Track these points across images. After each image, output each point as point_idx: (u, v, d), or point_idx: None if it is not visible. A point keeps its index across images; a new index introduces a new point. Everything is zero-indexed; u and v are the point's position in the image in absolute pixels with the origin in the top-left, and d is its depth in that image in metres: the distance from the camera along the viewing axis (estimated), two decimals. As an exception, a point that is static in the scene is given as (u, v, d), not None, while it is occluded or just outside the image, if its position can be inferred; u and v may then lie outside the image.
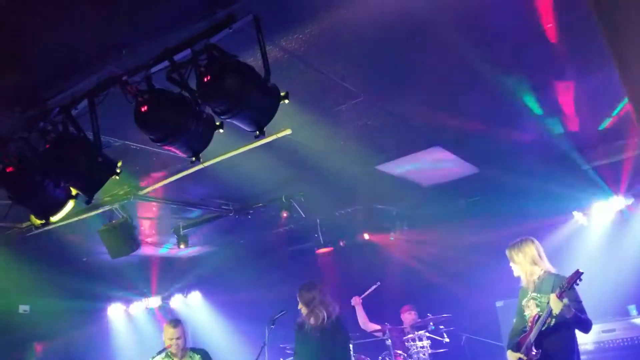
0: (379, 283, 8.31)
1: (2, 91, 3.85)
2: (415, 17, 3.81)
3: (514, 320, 5.18)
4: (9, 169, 3.97)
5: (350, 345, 7.58)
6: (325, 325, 5.70)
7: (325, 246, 8.94)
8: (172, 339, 5.84)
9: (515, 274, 5.10)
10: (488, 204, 8.16)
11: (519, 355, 4.86)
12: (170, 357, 5.92)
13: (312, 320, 5.77)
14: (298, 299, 5.84)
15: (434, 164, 6.95)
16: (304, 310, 5.81)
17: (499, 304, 8.01)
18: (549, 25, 4.09)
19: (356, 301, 8.35)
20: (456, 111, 5.45)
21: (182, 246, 7.78)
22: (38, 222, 4.14)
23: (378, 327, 8.24)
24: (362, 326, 8.32)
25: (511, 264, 5.12)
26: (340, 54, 4.14)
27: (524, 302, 5.02)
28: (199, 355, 5.95)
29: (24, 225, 6.34)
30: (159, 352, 5.91)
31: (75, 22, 3.36)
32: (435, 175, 7.39)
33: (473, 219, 8.18)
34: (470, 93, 5.08)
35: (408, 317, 8.38)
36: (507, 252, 5.14)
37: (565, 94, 5.32)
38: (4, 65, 3.60)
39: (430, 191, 7.90)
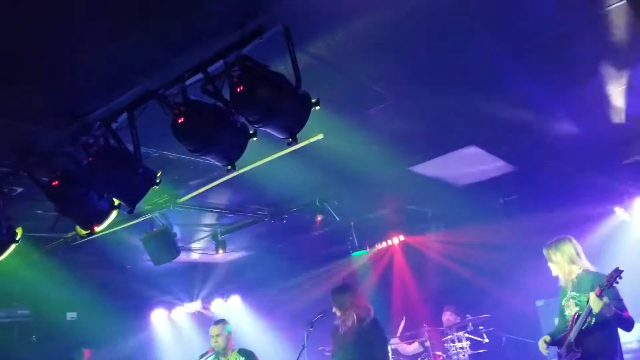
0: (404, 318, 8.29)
1: (47, 108, 4.03)
2: (444, 18, 3.82)
3: (556, 320, 5.14)
4: (55, 183, 4.16)
5: (389, 347, 7.63)
6: (360, 328, 5.70)
7: (360, 248, 8.96)
8: (212, 337, 6.02)
9: (554, 273, 5.06)
10: (525, 202, 8.06)
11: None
12: (217, 357, 6.06)
13: (347, 323, 5.77)
14: (331, 302, 5.88)
15: (468, 164, 6.91)
16: (338, 313, 5.83)
17: (539, 303, 7.91)
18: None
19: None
20: (490, 109, 5.42)
21: (220, 251, 7.93)
22: (83, 232, 4.30)
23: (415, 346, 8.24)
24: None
25: (549, 264, 5.08)
26: (369, 57, 4.17)
27: (563, 302, 4.97)
28: (244, 357, 6.06)
29: (70, 235, 6.58)
30: (202, 356, 6.06)
31: (114, 39, 3.49)
32: (470, 174, 7.34)
33: (510, 218, 8.10)
34: (504, 90, 5.05)
35: (449, 317, 8.34)
36: (544, 252, 5.10)
37: (610, 86, 5.21)
38: (48, 82, 3.78)
39: (465, 191, 7.84)
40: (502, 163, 7.00)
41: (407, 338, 8.34)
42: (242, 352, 6.14)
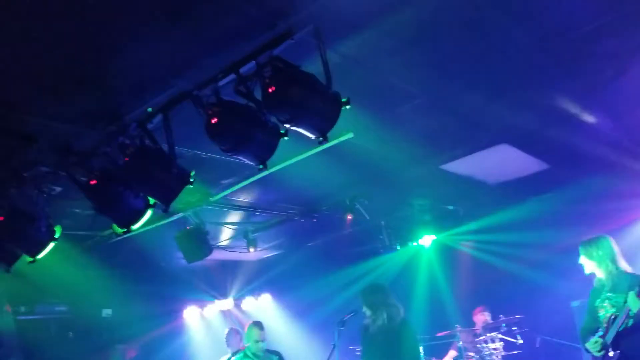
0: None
1: (86, 109, 4.15)
2: (474, 13, 3.81)
3: (584, 320, 5.01)
4: (93, 182, 4.27)
5: (421, 347, 7.60)
6: (391, 327, 5.69)
7: (391, 247, 8.94)
8: (257, 341, 6.11)
9: (588, 271, 4.94)
10: (560, 201, 7.92)
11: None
12: (251, 358, 6.17)
13: (377, 322, 5.77)
14: (365, 298, 5.86)
15: (500, 162, 6.83)
16: (368, 312, 5.82)
17: (574, 303, 7.76)
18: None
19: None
20: (523, 107, 5.35)
21: (251, 250, 8.02)
22: (120, 230, 4.41)
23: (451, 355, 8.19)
24: None
25: (584, 261, 4.96)
26: (399, 55, 4.17)
27: (597, 303, 4.85)
28: (276, 357, 6.17)
29: (106, 233, 6.73)
30: (234, 354, 6.17)
31: (149, 42, 3.58)
32: (503, 172, 7.27)
33: (544, 217, 7.97)
34: (538, 88, 4.99)
35: (481, 318, 8.26)
36: (581, 249, 4.98)
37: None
38: (87, 85, 3.89)
39: (498, 189, 7.76)
40: (535, 161, 6.91)
41: (441, 339, 8.28)
42: (272, 352, 6.26)
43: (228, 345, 7.50)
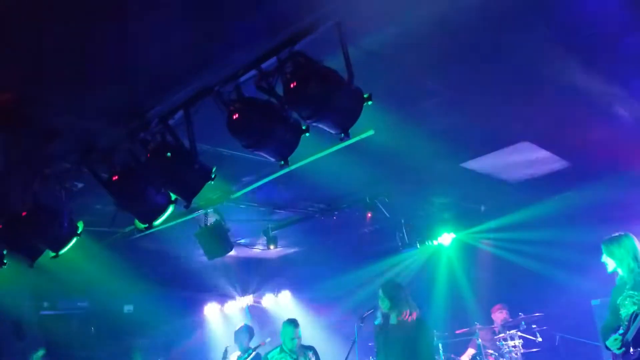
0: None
1: (107, 106, 4.18)
2: (498, 10, 3.77)
3: (605, 318, 4.97)
4: (115, 178, 4.31)
5: (440, 345, 7.58)
6: (408, 323, 5.70)
7: (410, 245, 8.90)
8: (293, 339, 6.25)
9: (610, 269, 4.88)
10: (581, 199, 7.83)
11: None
12: (289, 354, 6.29)
13: (393, 318, 5.79)
14: (381, 295, 5.86)
15: (522, 160, 6.77)
16: (385, 307, 5.80)
17: (595, 302, 7.67)
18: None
19: None
20: (545, 104, 5.29)
21: (271, 247, 8.04)
22: (142, 226, 4.44)
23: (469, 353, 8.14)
24: None
25: (606, 259, 4.90)
26: (422, 52, 4.15)
27: (619, 301, 4.79)
28: (311, 352, 6.33)
29: (128, 229, 6.80)
30: (246, 351, 6.29)
31: (171, 38, 3.60)
32: (524, 171, 7.20)
33: (565, 215, 7.89)
34: (560, 85, 4.93)
35: (499, 315, 8.20)
36: (603, 247, 4.92)
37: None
38: (109, 81, 3.93)
39: (519, 187, 7.69)
40: (557, 159, 6.83)
41: (460, 336, 8.23)
42: (307, 347, 6.42)
43: (236, 341, 7.59)
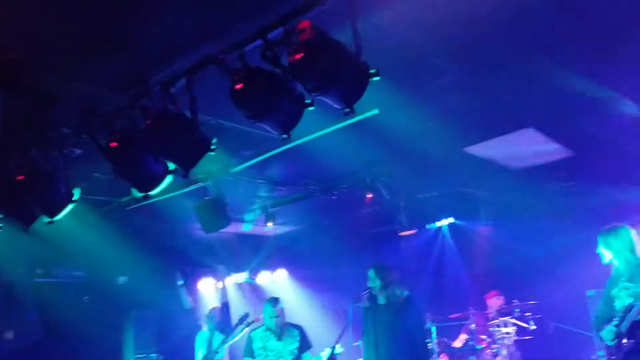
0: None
1: (109, 71, 4.12)
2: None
3: (598, 309, 4.96)
4: (113, 144, 4.25)
5: (434, 329, 7.59)
6: (397, 304, 5.75)
7: (409, 228, 8.88)
8: (271, 317, 6.20)
9: (606, 260, 4.87)
10: (583, 190, 7.80)
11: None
12: (272, 333, 6.26)
13: (383, 298, 5.82)
14: (373, 275, 5.84)
15: (525, 147, 6.72)
16: (377, 287, 5.82)
17: (589, 292, 7.68)
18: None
19: None
20: (553, 91, 5.23)
21: (269, 224, 8.01)
22: (139, 195, 4.39)
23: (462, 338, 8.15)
24: None
25: (602, 251, 4.88)
26: (430, 30, 4.06)
27: (614, 292, 4.78)
28: (297, 331, 6.29)
29: (124, 200, 6.76)
30: (248, 323, 6.26)
31: (176, 5, 3.53)
32: (526, 158, 7.15)
33: (566, 205, 7.87)
34: (567, 71, 4.86)
35: (496, 302, 8.24)
36: (600, 238, 4.90)
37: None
38: (110, 46, 3.85)
39: (520, 175, 7.64)
40: (560, 147, 6.78)
41: (454, 321, 8.25)
42: (294, 326, 6.37)
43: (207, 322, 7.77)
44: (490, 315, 8.12)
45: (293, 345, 6.27)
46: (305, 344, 6.34)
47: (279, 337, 6.28)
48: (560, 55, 4.57)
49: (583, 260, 6.64)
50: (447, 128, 5.80)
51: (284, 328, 6.33)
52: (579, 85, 5.13)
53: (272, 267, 10.99)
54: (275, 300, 6.46)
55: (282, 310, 6.37)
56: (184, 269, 10.06)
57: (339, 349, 6.05)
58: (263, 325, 6.42)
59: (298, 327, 6.45)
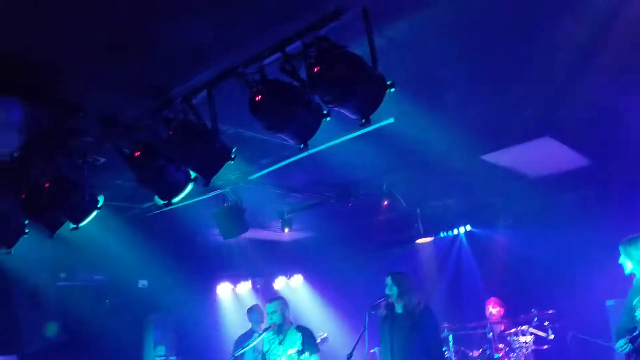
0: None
1: (132, 82, 4.23)
2: (525, 2, 3.73)
3: (620, 319, 4.95)
4: (137, 153, 4.37)
5: (450, 337, 7.57)
6: (414, 313, 5.75)
7: (425, 236, 8.89)
8: (270, 313, 6.27)
9: (627, 271, 4.85)
10: (600, 199, 7.74)
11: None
12: (276, 336, 6.29)
13: (401, 308, 5.84)
14: (390, 283, 5.87)
15: (542, 155, 6.71)
16: (394, 295, 5.84)
17: (609, 302, 7.60)
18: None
19: None
20: (568, 100, 5.22)
21: (286, 230, 8.09)
22: (161, 202, 4.50)
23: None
24: None
25: (624, 261, 4.87)
26: (446, 41, 4.12)
27: (635, 302, 4.77)
28: (299, 334, 6.23)
29: (146, 206, 6.89)
30: (264, 330, 6.30)
31: (196, 18, 3.62)
32: (544, 166, 7.13)
33: (583, 214, 7.80)
34: (585, 81, 4.86)
35: (493, 309, 8.24)
36: (621, 248, 4.89)
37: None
38: (133, 58, 3.97)
39: (537, 183, 7.62)
40: (578, 156, 6.76)
41: (471, 329, 8.22)
42: (299, 328, 6.33)
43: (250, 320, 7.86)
44: (509, 324, 8.07)
45: (292, 349, 6.21)
46: (308, 347, 6.13)
47: (281, 341, 6.29)
48: (580, 64, 4.57)
49: (602, 269, 6.60)
50: (464, 136, 5.82)
51: (286, 330, 6.32)
52: (597, 94, 5.13)
53: (288, 272, 11.05)
54: (273, 299, 6.51)
55: (282, 307, 6.33)
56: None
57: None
58: (268, 328, 6.44)
59: (302, 330, 6.37)
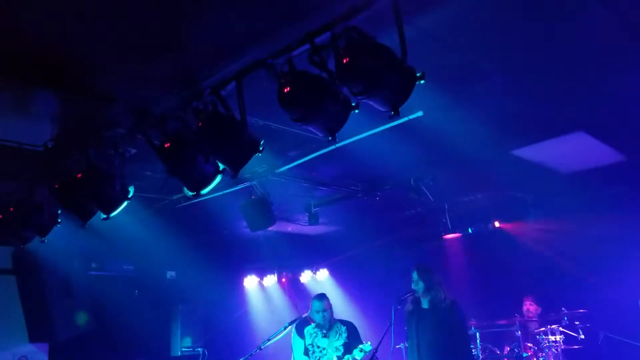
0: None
1: (163, 74, 4.26)
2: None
3: None
4: (167, 145, 4.41)
5: (477, 334, 7.51)
6: (441, 308, 5.75)
7: (453, 232, 8.80)
8: (318, 312, 6.35)
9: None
10: (634, 195, 7.57)
11: None
12: (319, 328, 6.40)
13: (427, 303, 5.84)
14: (416, 277, 5.86)
15: (576, 150, 6.58)
16: (420, 290, 5.84)
17: (642, 302, 7.45)
18: None
19: None
20: (604, 94, 5.11)
21: (312, 223, 8.08)
22: (190, 193, 4.54)
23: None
24: None
25: None
26: (478, 32, 4.05)
27: None
28: (344, 327, 6.41)
29: (175, 197, 6.97)
30: (293, 322, 6.38)
31: (226, 9, 3.62)
32: (577, 162, 6.99)
33: (616, 211, 7.63)
34: (622, 74, 4.75)
35: (530, 308, 8.13)
36: None
37: None
38: (164, 50, 3.99)
39: (569, 179, 7.48)
40: (612, 151, 6.61)
41: (499, 327, 8.12)
42: (343, 322, 6.49)
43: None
44: (537, 323, 7.97)
45: (338, 341, 6.38)
46: (353, 340, 6.39)
47: (326, 334, 6.42)
48: (613, 57, 4.47)
49: (636, 267, 6.47)
50: (494, 130, 5.74)
51: (332, 324, 6.47)
52: (633, 88, 5.01)
53: (314, 266, 11.08)
54: (322, 296, 6.64)
55: (329, 306, 6.53)
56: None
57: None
58: (314, 322, 6.54)
59: (346, 324, 6.59)
